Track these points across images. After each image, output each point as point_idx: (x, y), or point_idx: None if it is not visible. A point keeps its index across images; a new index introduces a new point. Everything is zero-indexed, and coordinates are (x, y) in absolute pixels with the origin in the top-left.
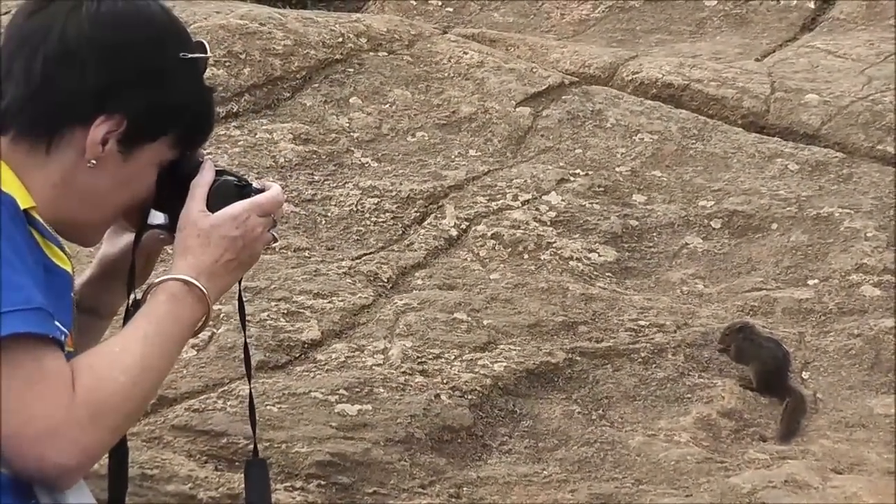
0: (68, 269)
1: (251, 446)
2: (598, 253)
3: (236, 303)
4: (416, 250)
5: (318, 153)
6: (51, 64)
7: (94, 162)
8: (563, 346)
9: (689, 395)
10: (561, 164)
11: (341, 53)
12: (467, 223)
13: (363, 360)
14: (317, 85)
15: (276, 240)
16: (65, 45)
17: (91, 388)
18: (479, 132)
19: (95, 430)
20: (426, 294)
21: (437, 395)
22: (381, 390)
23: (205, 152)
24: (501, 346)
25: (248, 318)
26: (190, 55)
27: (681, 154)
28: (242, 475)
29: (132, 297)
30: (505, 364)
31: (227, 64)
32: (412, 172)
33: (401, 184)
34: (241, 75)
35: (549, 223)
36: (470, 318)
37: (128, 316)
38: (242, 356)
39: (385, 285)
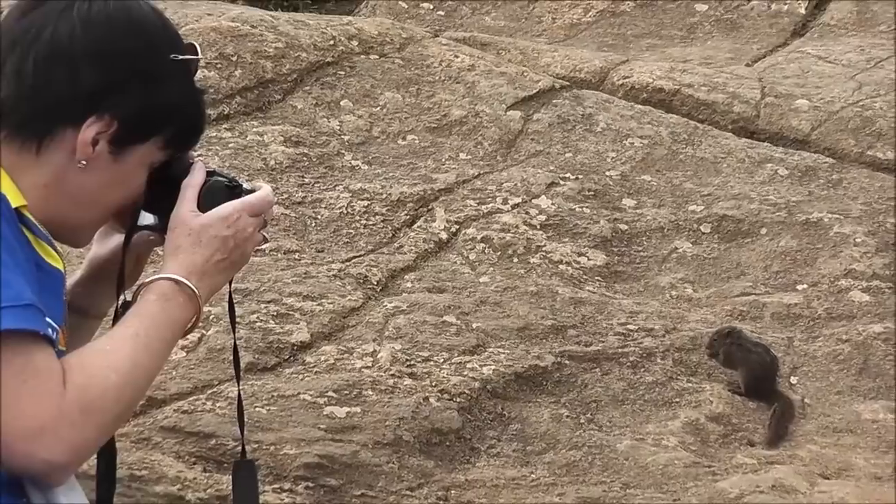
0: (60, 267)
1: (240, 448)
2: (587, 257)
3: (226, 304)
4: (405, 253)
5: (308, 156)
6: (42, 64)
7: (84, 162)
8: (551, 349)
9: (677, 400)
10: (551, 167)
11: (332, 56)
12: (457, 226)
13: (352, 362)
14: (308, 87)
15: (266, 240)
16: (56, 45)
17: (81, 387)
18: (469, 136)
19: (85, 428)
20: (416, 297)
21: (426, 398)
22: (370, 393)
23: (195, 154)
24: (490, 350)
25: (237, 319)
26: (181, 57)
27: (671, 158)
28: (230, 476)
29: (122, 297)
30: (494, 367)
31: (218, 66)
32: (402, 175)
33: (391, 187)
34: (233, 77)
35: (538, 227)
36: (459, 322)
37: (117, 316)
38: (230, 358)
39: (375, 288)
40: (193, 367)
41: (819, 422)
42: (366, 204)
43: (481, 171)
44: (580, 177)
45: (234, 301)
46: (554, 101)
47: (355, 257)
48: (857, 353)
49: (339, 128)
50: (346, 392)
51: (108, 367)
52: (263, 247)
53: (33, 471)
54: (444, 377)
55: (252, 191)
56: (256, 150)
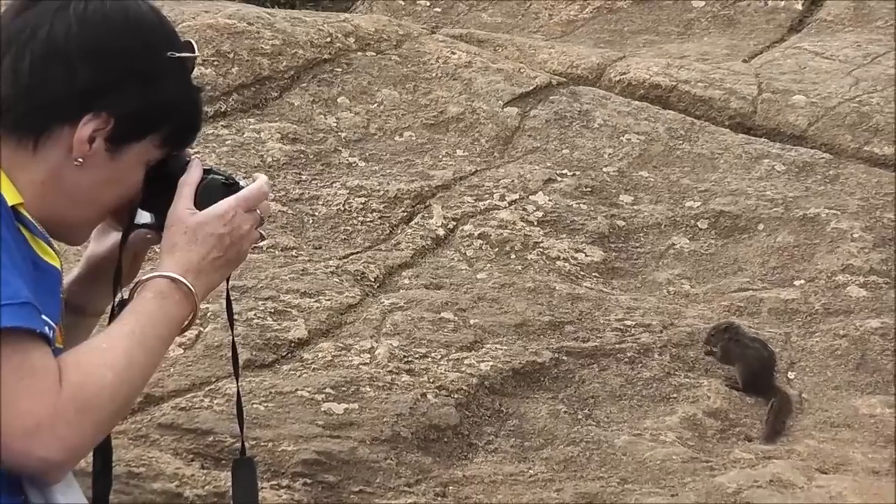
0: (57, 265)
1: (238, 445)
2: (584, 253)
3: (223, 301)
4: (403, 250)
5: (305, 153)
6: (38, 62)
7: (81, 160)
8: (549, 345)
9: (674, 395)
10: (548, 164)
11: (329, 53)
12: (454, 223)
13: (350, 359)
14: (305, 84)
15: (263, 238)
16: (52, 43)
17: (78, 384)
18: (466, 132)
19: (81, 426)
20: (413, 293)
21: (424, 395)
22: (368, 389)
23: (192, 151)
24: (488, 346)
25: (234, 316)
26: (178, 55)
27: (668, 155)
28: (228, 473)
29: (119, 295)
30: (491, 363)
31: (215, 63)
32: (400, 172)
33: (388, 183)
34: (229, 74)
35: (536, 223)
36: (457, 318)
37: (114, 315)
38: (229, 355)
39: (372, 284)
40: (191, 364)
41: (817, 417)
42: (363, 201)
43: (478, 168)
44: (577, 173)
45: (232, 298)
46: (551, 97)
47: (353, 254)
48: (854, 349)
49: (336, 125)
50: (343, 388)
51: (105, 365)
52: (261, 244)
53: (29, 468)
54: (441, 373)
55: None
56: (253, 148)
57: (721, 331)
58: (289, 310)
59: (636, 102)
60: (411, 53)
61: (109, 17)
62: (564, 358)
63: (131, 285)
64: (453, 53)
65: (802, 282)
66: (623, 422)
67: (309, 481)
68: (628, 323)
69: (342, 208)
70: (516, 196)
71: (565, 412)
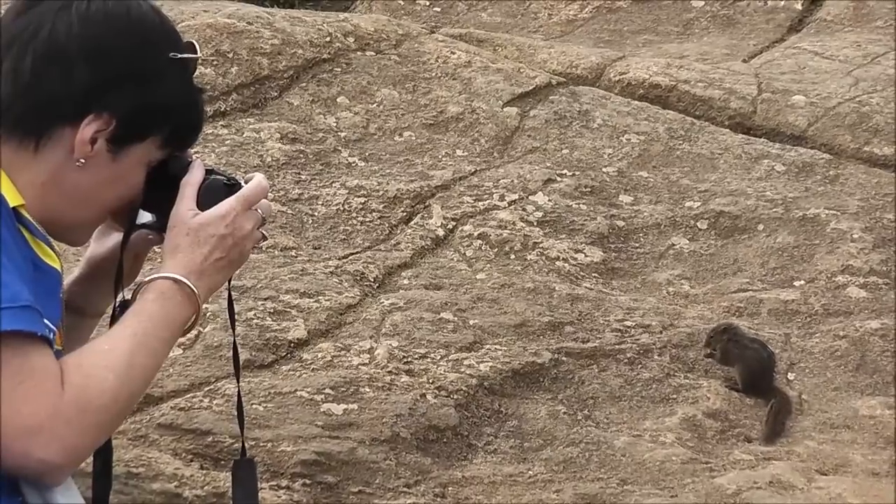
0: (58, 266)
1: (237, 445)
2: (584, 253)
3: (223, 302)
4: (402, 250)
5: (305, 152)
6: (40, 63)
7: (82, 161)
8: (548, 346)
9: (674, 396)
10: (548, 164)
11: (329, 53)
12: (454, 223)
13: (349, 359)
14: (304, 84)
15: (265, 238)
16: (54, 43)
17: (79, 386)
18: (466, 132)
19: (83, 428)
20: (412, 294)
21: (423, 395)
22: (367, 390)
23: (193, 151)
24: (487, 346)
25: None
26: (180, 55)
27: (667, 155)
28: (227, 473)
29: (120, 297)
30: (491, 364)
31: (214, 63)
32: (399, 172)
33: (388, 183)
34: (229, 74)
35: (535, 223)
36: (456, 318)
37: (115, 316)
38: (228, 355)
39: (371, 285)
40: (190, 364)
41: (816, 418)
42: (362, 201)
43: (478, 168)
44: (577, 173)
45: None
46: (550, 97)
47: (352, 254)
48: (854, 350)
49: (335, 124)
50: (343, 389)
51: (106, 367)
52: (261, 244)
53: (30, 471)
54: (441, 374)
55: None
56: (253, 147)
57: (720, 332)
58: (288, 310)
59: (636, 102)
60: (411, 53)
61: (111, 17)
62: (564, 359)
63: (132, 286)
64: (453, 53)
65: (802, 282)
66: (623, 423)
67: (308, 482)
68: (628, 323)
69: (342, 208)
70: (516, 196)
71: (565, 413)
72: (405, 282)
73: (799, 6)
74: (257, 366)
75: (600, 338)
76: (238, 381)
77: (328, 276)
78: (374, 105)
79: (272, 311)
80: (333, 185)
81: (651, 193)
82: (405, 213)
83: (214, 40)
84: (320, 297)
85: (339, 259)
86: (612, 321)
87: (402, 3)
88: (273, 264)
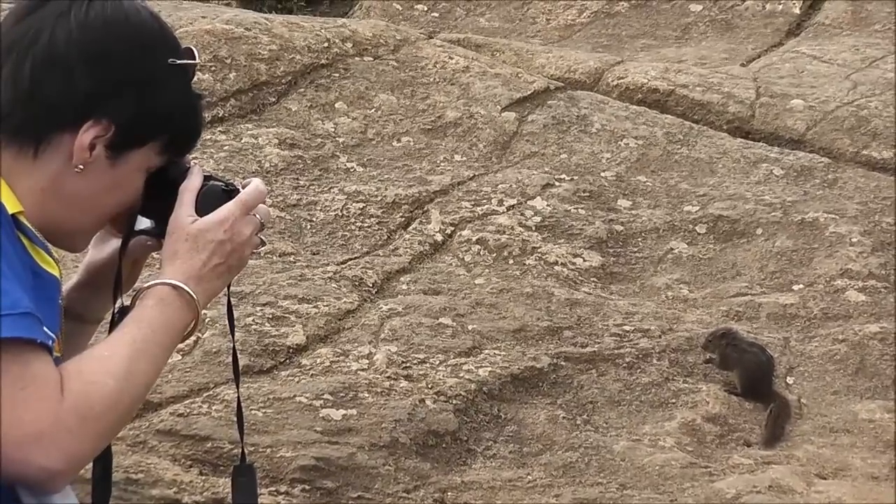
0: (56, 273)
1: (236, 451)
2: (583, 258)
3: (222, 307)
4: (401, 255)
5: (303, 158)
6: (39, 68)
7: (81, 167)
8: (547, 351)
9: (673, 400)
10: (546, 169)
11: (327, 58)
12: (452, 228)
13: (348, 364)
14: (302, 90)
15: (264, 243)
16: (53, 50)
17: (79, 393)
18: (464, 137)
19: (83, 435)
20: (411, 299)
21: (422, 400)
22: (366, 395)
23: (191, 157)
24: (486, 351)
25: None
26: (179, 61)
27: (666, 159)
28: (227, 479)
29: (119, 303)
30: (490, 369)
31: (212, 69)
32: (397, 177)
33: (386, 189)
34: (227, 80)
35: (534, 228)
36: (455, 323)
37: (114, 322)
38: (227, 361)
39: (370, 290)
40: (189, 370)
41: (816, 422)
42: (361, 206)
43: (476, 173)
44: (575, 178)
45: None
46: (549, 102)
47: (350, 259)
48: (853, 353)
49: (333, 130)
50: (342, 394)
51: (106, 374)
52: (260, 250)
53: (30, 477)
54: (440, 379)
55: None
56: (251, 153)
57: (718, 337)
58: (287, 315)
59: (634, 107)
60: (409, 58)
61: (110, 23)
62: (563, 363)
63: (131, 292)
64: (451, 58)
65: (801, 286)
66: (622, 427)
67: (307, 487)
68: (627, 328)
69: (340, 214)
70: (514, 201)
71: (564, 418)
72: (404, 287)
73: (797, 10)
74: (256, 371)
75: (599, 342)
76: (238, 387)
77: (327, 282)
78: (373, 110)
79: (271, 316)
80: (332, 190)
81: (649, 198)
82: (404, 219)
83: (212, 46)
84: (319, 303)
85: (337, 264)
86: (611, 326)
87: (400, 8)
88: (272, 270)
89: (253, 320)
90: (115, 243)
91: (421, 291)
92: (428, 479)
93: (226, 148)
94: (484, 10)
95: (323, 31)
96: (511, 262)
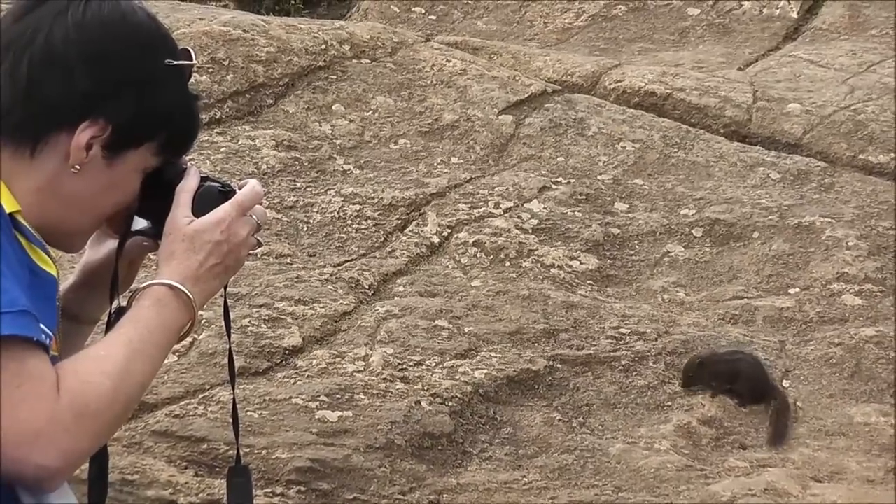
0: (53, 273)
1: (232, 452)
2: (579, 261)
3: (218, 309)
4: (397, 257)
5: (300, 160)
6: (36, 68)
7: (78, 167)
8: (543, 353)
9: (669, 403)
10: (543, 171)
11: (324, 60)
12: (449, 230)
13: (344, 366)
14: (299, 92)
15: (260, 244)
16: (50, 49)
17: (75, 393)
18: (461, 140)
19: (79, 434)
20: (407, 301)
21: (418, 402)
22: (362, 397)
23: (187, 158)
24: (482, 354)
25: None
26: (176, 62)
27: (663, 162)
28: (222, 481)
29: (115, 303)
30: (486, 371)
31: (210, 70)
32: (394, 179)
33: (383, 191)
34: (224, 82)
35: (530, 231)
36: (451, 326)
37: (110, 322)
38: (223, 362)
39: (367, 292)
40: (185, 371)
41: (811, 425)
42: (358, 208)
43: (473, 176)
44: (572, 181)
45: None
46: (546, 105)
47: (347, 261)
48: (849, 357)
49: (330, 132)
50: (337, 396)
51: (103, 373)
52: (257, 250)
53: (26, 476)
54: (436, 381)
55: None
56: (248, 155)
57: (697, 367)
58: (283, 317)
59: (631, 110)
60: (406, 61)
61: (108, 23)
62: (559, 366)
63: (128, 293)
64: (448, 61)
65: (797, 290)
66: (617, 430)
67: (303, 489)
68: (623, 331)
69: (337, 216)
70: (511, 204)
71: (559, 420)
72: (400, 289)
73: (794, 14)
74: (252, 373)
75: (595, 345)
76: (233, 388)
77: (323, 284)
78: (370, 113)
79: (267, 318)
80: (328, 192)
81: (646, 201)
82: (400, 221)
83: (210, 48)
84: (315, 305)
85: (334, 266)
86: (607, 328)
87: (397, 10)
88: (268, 271)
89: (249, 322)
90: (112, 244)
91: (417, 294)
92: (423, 481)
93: (223, 149)
94: (481, 12)
95: (320, 33)
96: (507, 264)
